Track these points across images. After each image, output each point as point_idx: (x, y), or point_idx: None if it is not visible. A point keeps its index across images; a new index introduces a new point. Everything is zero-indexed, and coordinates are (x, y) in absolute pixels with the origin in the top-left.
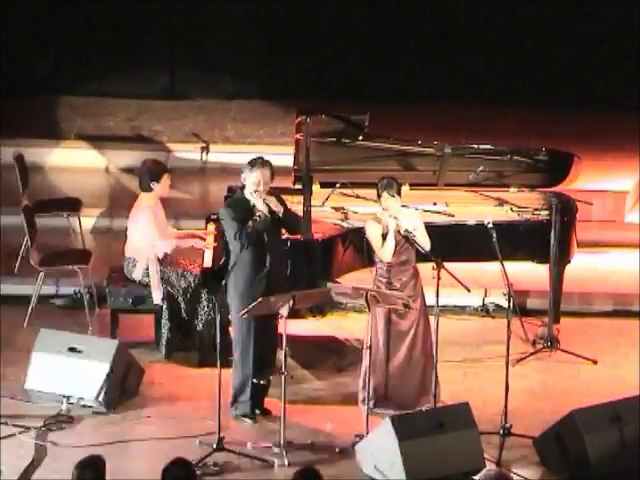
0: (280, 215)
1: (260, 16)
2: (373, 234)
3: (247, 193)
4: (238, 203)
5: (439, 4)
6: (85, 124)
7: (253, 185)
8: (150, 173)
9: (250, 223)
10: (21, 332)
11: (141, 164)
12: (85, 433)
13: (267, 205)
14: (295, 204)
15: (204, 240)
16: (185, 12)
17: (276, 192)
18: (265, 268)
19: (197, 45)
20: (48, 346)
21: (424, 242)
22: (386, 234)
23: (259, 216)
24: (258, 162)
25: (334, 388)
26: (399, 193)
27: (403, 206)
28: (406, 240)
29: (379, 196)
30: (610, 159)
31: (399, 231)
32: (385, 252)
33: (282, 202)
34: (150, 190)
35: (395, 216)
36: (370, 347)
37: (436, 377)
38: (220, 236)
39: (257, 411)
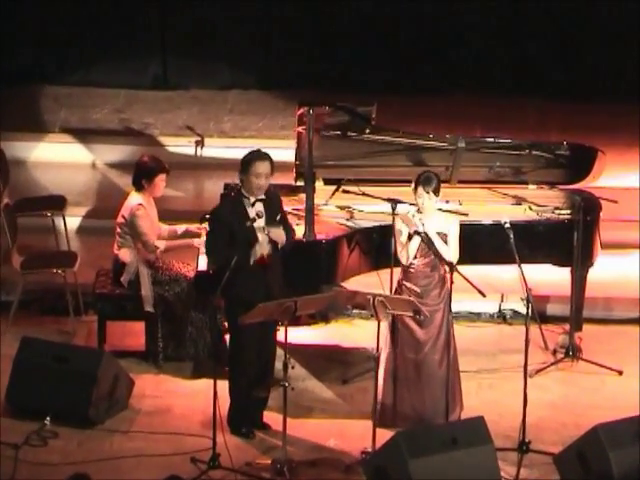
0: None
1: (259, 1)
2: (398, 232)
3: (246, 191)
4: (233, 205)
5: None
6: (70, 116)
7: (254, 179)
8: (144, 170)
9: (248, 223)
10: (1, 340)
11: (138, 159)
12: (70, 449)
13: (267, 235)
14: (297, 203)
15: (198, 237)
16: None
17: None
18: (263, 278)
19: (191, 31)
20: (30, 355)
21: (446, 250)
22: (412, 233)
23: (257, 214)
24: (256, 155)
25: (339, 401)
26: (436, 192)
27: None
28: (422, 241)
29: (414, 190)
30: (636, 153)
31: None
32: (403, 253)
33: (281, 210)
34: (141, 188)
35: (420, 215)
36: (374, 357)
37: (447, 389)
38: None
39: (255, 427)
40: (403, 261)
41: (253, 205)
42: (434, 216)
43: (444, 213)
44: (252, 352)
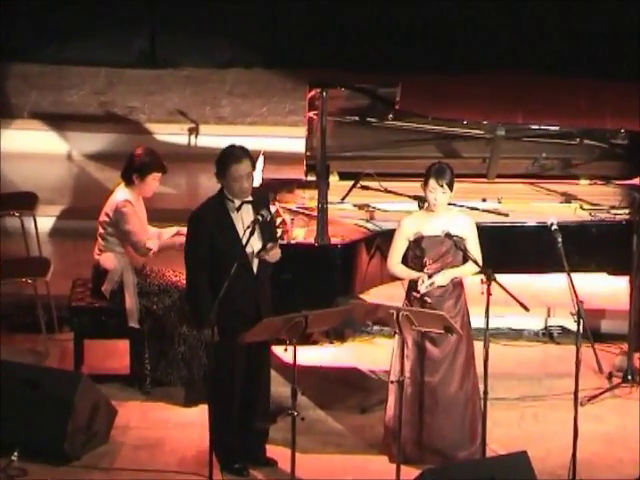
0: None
1: None
2: (397, 233)
3: (229, 194)
4: (214, 208)
5: None
6: (42, 99)
7: (233, 184)
8: (136, 164)
9: (247, 234)
10: None
11: (133, 149)
12: None
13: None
14: (307, 200)
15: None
16: None
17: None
18: (250, 292)
19: (184, 0)
20: None
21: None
22: (417, 238)
23: (262, 214)
24: (230, 156)
25: (356, 432)
26: (451, 186)
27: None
28: (456, 246)
29: (425, 184)
30: None
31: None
32: (394, 263)
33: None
34: (131, 183)
35: (428, 213)
36: (398, 381)
37: (484, 419)
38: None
39: (255, 463)
40: (391, 273)
41: (238, 210)
42: (445, 215)
43: (456, 211)
44: (235, 369)
